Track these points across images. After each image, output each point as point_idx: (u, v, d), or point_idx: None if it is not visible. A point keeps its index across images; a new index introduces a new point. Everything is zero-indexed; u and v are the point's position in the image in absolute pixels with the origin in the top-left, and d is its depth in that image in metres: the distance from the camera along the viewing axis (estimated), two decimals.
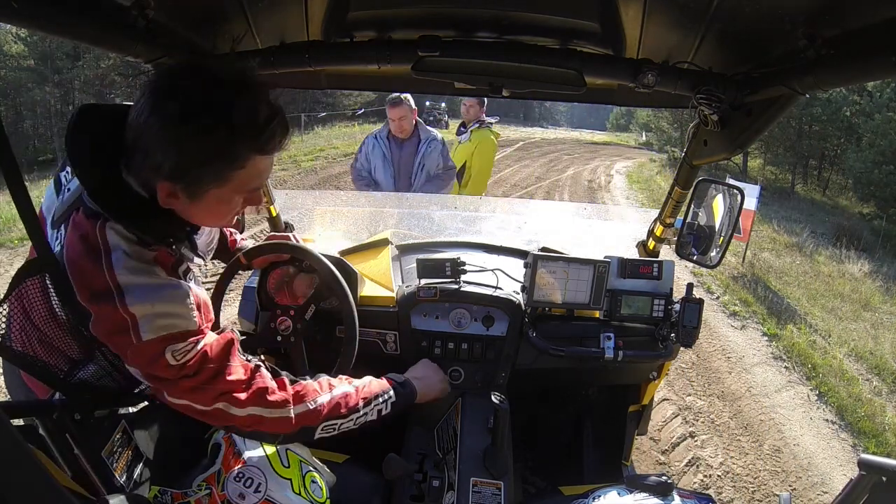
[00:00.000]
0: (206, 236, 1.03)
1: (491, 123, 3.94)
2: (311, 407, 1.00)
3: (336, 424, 1.04)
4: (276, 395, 0.95)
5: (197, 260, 0.98)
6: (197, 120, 0.77)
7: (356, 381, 1.13)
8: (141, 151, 0.80)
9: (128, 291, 0.80)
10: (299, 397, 0.99)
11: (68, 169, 0.91)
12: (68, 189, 0.89)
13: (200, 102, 0.77)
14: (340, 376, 1.13)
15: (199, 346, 0.86)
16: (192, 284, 0.89)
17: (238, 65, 0.82)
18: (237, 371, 0.91)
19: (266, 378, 0.95)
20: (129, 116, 0.81)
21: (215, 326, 0.94)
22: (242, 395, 0.91)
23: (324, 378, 1.08)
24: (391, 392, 1.17)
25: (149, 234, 0.85)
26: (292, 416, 0.97)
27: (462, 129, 3.98)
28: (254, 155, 0.83)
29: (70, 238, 0.83)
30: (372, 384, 1.15)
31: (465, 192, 4.07)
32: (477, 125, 3.91)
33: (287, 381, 0.99)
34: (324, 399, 1.02)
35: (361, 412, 1.09)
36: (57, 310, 0.86)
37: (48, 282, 0.85)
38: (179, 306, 0.84)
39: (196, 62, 0.79)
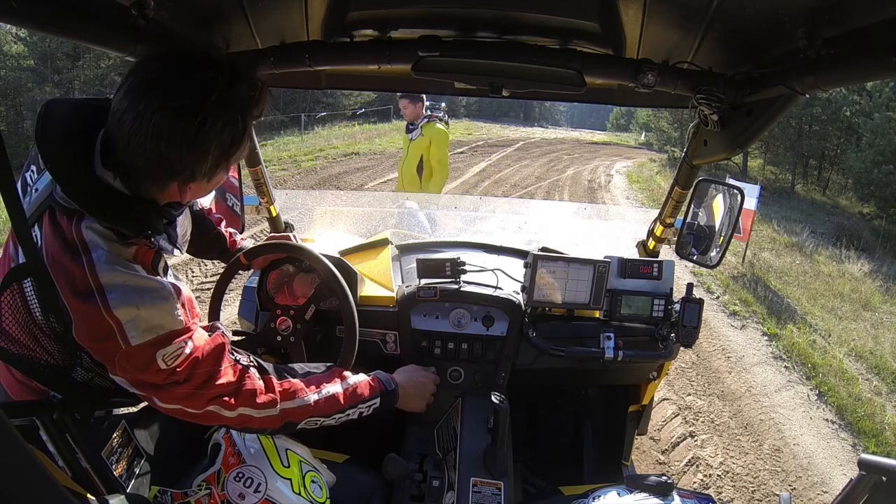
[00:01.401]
0: (181, 228, 1.02)
1: (438, 117, 4.03)
2: (298, 405, 1.03)
3: (319, 421, 1.08)
4: (264, 397, 0.97)
5: (175, 252, 0.98)
6: (215, 116, 0.79)
7: (347, 380, 1.14)
8: (138, 152, 0.78)
9: (109, 292, 0.79)
10: (287, 395, 1.01)
11: (33, 168, 0.89)
12: (36, 189, 0.88)
13: (216, 99, 0.78)
14: (334, 370, 1.15)
15: (188, 349, 0.86)
16: (172, 280, 0.89)
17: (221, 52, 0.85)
18: (227, 375, 0.92)
19: (255, 379, 0.97)
20: (116, 116, 0.78)
21: (213, 329, 0.95)
22: (232, 399, 0.93)
23: (313, 376, 1.10)
24: (377, 400, 1.18)
25: (127, 227, 0.84)
26: (278, 412, 0.99)
27: (410, 127, 4.09)
28: (251, 123, 0.89)
29: (47, 238, 0.82)
30: (360, 387, 1.16)
31: (431, 185, 4.15)
32: (425, 120, 4.02)
33: (275, 380, 1.00)
34: (310, 398, 1.05)
35: (344, 412, 1.12)
36: (38, 316, 0.84)
37: (28, 287, 0.83)
38: (164, 306, 0.84)
39: (186, 54, 0.81)
